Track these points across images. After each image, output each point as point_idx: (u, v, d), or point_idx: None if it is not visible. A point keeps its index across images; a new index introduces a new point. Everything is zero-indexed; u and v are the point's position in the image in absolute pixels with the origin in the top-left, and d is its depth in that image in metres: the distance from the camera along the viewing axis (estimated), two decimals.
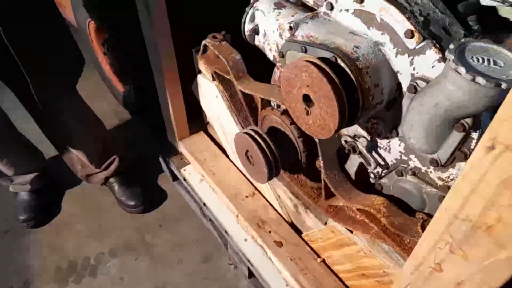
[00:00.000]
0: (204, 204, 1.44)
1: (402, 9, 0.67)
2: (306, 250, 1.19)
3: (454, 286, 0.57)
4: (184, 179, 1.52)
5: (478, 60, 0.58)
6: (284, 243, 1.22)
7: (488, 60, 0.58)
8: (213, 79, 1.27)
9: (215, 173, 1.42)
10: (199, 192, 1.45)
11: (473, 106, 0.58)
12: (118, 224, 1.58)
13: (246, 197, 1.34)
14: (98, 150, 1.49)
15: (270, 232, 1.25)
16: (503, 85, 0.53)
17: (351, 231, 1.00)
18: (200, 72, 1.34)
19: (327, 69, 0.67)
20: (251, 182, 1.38)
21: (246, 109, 1.22)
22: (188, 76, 1.39)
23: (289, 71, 0.74)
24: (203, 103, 1.43)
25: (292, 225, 1.27)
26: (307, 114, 0.76)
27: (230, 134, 1.35)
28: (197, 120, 1.55)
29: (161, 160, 1.71)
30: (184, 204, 1.62)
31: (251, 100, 1.20)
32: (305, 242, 1.21)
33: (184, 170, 1.52)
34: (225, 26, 1.24)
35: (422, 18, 0.67)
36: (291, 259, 1.17)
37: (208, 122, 1.55)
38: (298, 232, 1.24)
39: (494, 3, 0.71)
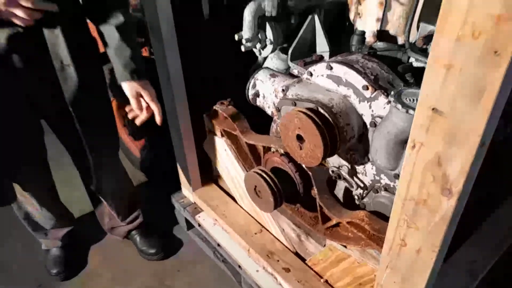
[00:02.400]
0: (218, 245, 1.64)
1: (358, 72, 0.98)
2: (311, 273, 1.38)
3: (416, 254, 0.80)
4: (199, 225, 1.73)
5: (411, 100, 0.88)
6: (291, 269, 1.41)
7: (417, 99, 0.87)
8: (222, 135, 1.56)
9: (226, 216, 1.65)
10: (213, 235, 1.66)
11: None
12: (140, 272, 1.75)
13: (255, 233, 1.56)
14: (126, 205, 1.72)
15: (278, 261, 1.45)
16: None
17: (345, 247, 1.22)
18: (210, 131, 1.63)
19: (312, 114, 0.96)
20: (258, 221, 1.61)
21: (251, 157, 1.49)
22: (200, 136, 1.69)
23: (285, 119, 1.03)
24: (214, 157, 1.70)
25: (296, 254, 1.47)
26: (300, 149, 1.04)
27: (237, 180, 1.61)
28: (207, 173, 1.81)
29: (176, 212, 1.93)
30: (199, 249, 1.81)
31: (254, 149, 1.48)
32: (309, 267, 1.41)
33: (199, 216, 1.74)
34: (227, 94, 1.57)
35: (373, 77, 0.98)
36: (298, 282, 1.36)
37: (217, 174, 1.81)
38: (303, 260, 1.44)
39: (423, 64, 1.03)
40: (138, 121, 1.28)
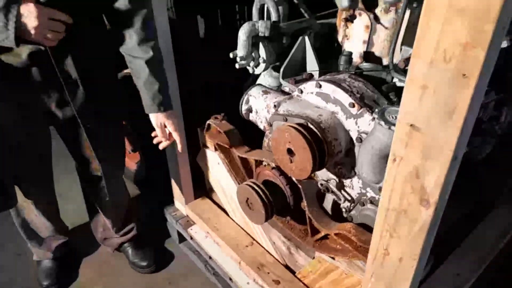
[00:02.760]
0: (210, 257, 1.67)
1: (345, 90, 1.05)
2: (300, 285, 1.41)
3: (399, 262, 0.84)
4: (191, 238, 1.76)
5: (393, 117, 0.94)
6: (281, 281, 1.44)
7: None
8: (215, 149, 1.60)
9: (218, 229, 1.68)
10: (205, 247, 1.69)
11: None
12: (131, 285, 1.75)
13: (246, 246, 1.59)
14: (122, 217, 1.74)
15: (268, 273, 1.47)
16: None
17: (333, 258, 1.26)
18: (204, 145, 1.68)
19: (301, 129, 1.02)
20: (249, 234, 1.64)
21: (243, 170, 1.54)
22: (193, 150, 1.73)
23: (277, 134, 1.09)
24: (207, 171, 1.74)
25: (286, 266, 1.50)
26: (291, 162, 1.09)
27: (230, 194, 1.64)
28: (200, 186, 1.85)
29: (169, 225, 1.95)
30: (190, 262, 1.82)
31: (246, 163, 1.53)
32: (299, 279, 1.44)
33: (191, 229, 1.77)
34: (221, 110, 1.62)
35: (358, 95, 1.05)
36: None
37: (210, 188, 1.85)
38: (292, 272, 1.47)
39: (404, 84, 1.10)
40: (161, 147, 1.39)
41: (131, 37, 1.18)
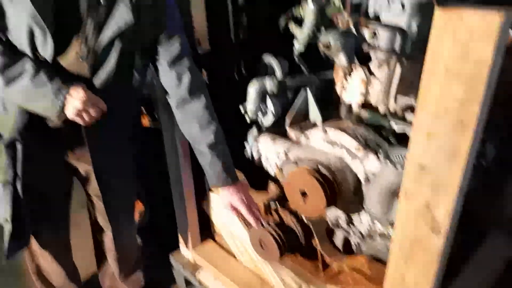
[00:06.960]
0: None
1: (351, 135, 1.18)
2: None
3: None
4: (199, 283, 1.78)
5: (397, 157, 1.07)
6: None
7: (402, 156, 1.07)
8: None
9: (227, 271, 1.72)
10: None
11: (399, 181, 1.04)
12: None
13: (257, 287, 1.63)
14: (129, 266, 1.76)
15: None
16: None
17: None
18: (210, 190, 1.76)
19: (315, 173, 1.13)
20: (258, 275, 1.69)
21: None
22: (199, 194, 1.80)
23: (290, 178, 1.20)
24: (213, 215, 1.81)
25: None
26: (304, 203, 1.19)
27: (238, 237, 1.71)
28: (205, 230, 1.90)
29: (175, 271, 1.96)
30: None
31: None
32: None
33: (199, 273, 1.80)
34: None
35: (363, 140, 1.18)
36: None
37: (215, 231, 1.90)
38: None
39: (402, 130, 1.25)
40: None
41: (193, 124, 1.28)
